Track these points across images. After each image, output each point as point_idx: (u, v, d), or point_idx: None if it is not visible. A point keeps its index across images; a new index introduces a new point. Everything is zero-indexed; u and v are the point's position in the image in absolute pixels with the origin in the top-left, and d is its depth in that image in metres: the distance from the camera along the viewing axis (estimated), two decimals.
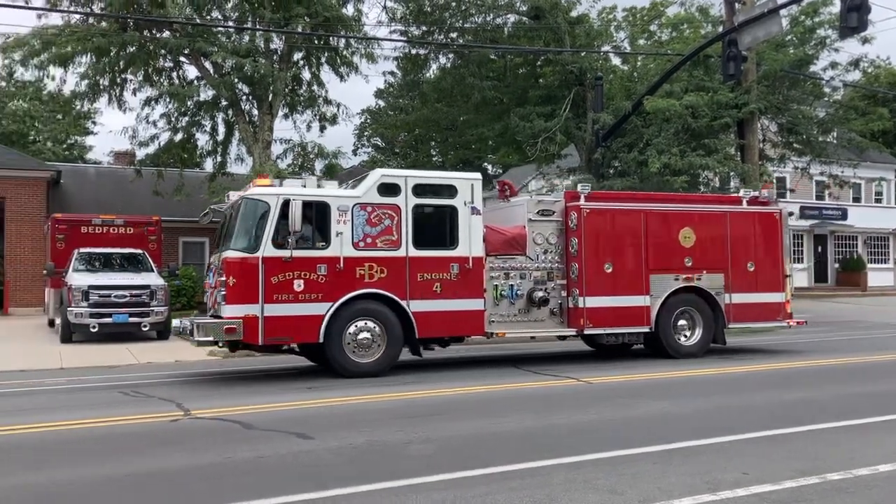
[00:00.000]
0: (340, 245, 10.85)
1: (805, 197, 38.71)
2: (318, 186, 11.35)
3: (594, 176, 20.79)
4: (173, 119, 21.92)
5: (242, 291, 10.52)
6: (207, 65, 20.91)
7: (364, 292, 10.96)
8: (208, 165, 24.56)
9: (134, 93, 21.74)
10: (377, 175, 11.52)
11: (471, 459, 6.12)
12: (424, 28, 23.84)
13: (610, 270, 12.42)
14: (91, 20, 20.34)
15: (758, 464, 5.94)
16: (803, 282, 36.72)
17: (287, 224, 10.39)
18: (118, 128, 49.69)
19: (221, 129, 22.83)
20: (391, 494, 5.23)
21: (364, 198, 11.15)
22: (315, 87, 22.90)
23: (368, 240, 11.07)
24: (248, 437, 7.25)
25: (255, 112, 21.53)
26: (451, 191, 11.65)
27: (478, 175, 12.28)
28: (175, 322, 11.97)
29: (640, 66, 25.76)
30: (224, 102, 21.47)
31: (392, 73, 28.72)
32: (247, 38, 20.97)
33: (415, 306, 11.21)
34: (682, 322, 12.97)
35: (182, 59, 21.55)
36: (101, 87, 21.00)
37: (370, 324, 11.00)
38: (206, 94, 21.65)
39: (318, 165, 22.89)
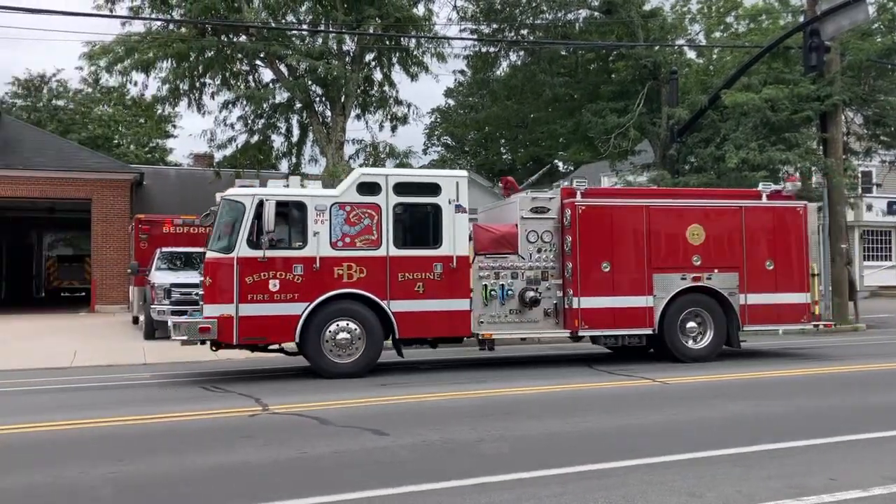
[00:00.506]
0: (317, 245, 10.80)
1: (893, 192, 37.07)
2: (302, 187, 11.34)
3: (669, 172, 20.36)
4: (250, 121, 22.44)
5: (218, 291, 10.63)
6: (282, 67, 21.33)
7: (342, 292, 10.87)
8: (284, 166, 25.07)
9: (212, 96, 22.35)
10: (357, 174, 11.54)
11: (545, 459, 6.07)
12: (495, 26, 23.77)
13: (608, 270, 11.87)
14: (171, 26, 20.99)
15: (845, 469, 5.73)
16: (892, 280, 35.20)
17: (262, 224, 10.48)
18: (197, 130, 51.22)
19: (296, 131, 23.26)
20: (465, 492, 5.23)
21: (342, 197, 11.07)
22: (386, 88, 23.12)
23: (347, 239, 10.99)
24: (324, 432, 7.38)
25: (329, 113, 21.86)
26: (434, 189, 11.44)
27: (463, 173, 12.17)
28: (169, 321, 11.81)
29: (716, 59, 25.10)
30: (298, 104, 21.87)
31: (462, 71, 28.75)
32: (320, 40, 21.30)
33: (395, 306, 11.05)
34: (691, 324, 12.21)
35: (258, 62, 22.04)
36: (181, 91, 21.66)
37: (349, 324, 10.89)
38: (282, 96, 22.11)
39: (389, 165, 23.13)
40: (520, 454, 6.39)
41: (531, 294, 11.68)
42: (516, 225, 11.96)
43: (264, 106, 21.72)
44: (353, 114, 22.38)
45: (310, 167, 24.39)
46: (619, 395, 9.65)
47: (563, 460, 5.96)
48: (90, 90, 45.97)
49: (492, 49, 24.96)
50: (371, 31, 20.75)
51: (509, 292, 11.70)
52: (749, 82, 19.90)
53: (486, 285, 11.65)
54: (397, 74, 22.85)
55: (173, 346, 12.13)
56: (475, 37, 24.20)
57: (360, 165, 21.99)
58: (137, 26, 20.94)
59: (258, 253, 10.56)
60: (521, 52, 24.52)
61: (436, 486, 5.36)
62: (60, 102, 46.46)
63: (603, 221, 12.00)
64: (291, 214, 10.96)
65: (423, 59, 22.29)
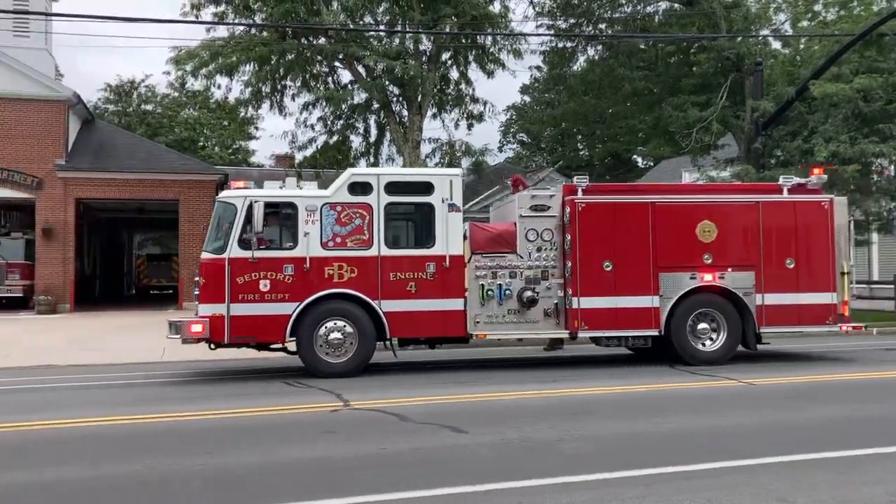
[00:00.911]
0: (308, 245, 10.88)
1: None
2: (298, 187, 11.38)
3: (754, 166, 19.73)
4: (329, 122, 22.81)
5: (211, 292, 10.82)
6: (360, 68, 21.59)
7: (333, 292, 10.91)
8: (362, 166, 25.41)
9: (293, 98, 22.78)
10: (348, 174, 11.52)
11: (627, 459, 5.98)
12: (572, 20, 23.50)
13: (609, 269, 11.48)
14: (253, 31, 21.52)
15: None
16: None
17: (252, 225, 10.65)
18: (278, 132, 52.32)
19: (374, 131, 23.50)
20: (546, 492, 5.19)
21: (333, 197, 11.12)
22: (462, 86, 23.13)
23: (338, 240, 11.04)
24: (403, 429, 7.43)
25: (406, 113, 22.02)
26: (426, 188, 11.35)
27: (457, 171, 12.04)
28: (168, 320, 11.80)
29: (803, 49, 24.17)
30: (376, 104, 22.10)
31: (538, 67, 28.44)
32: (397, 40, 21.49)
33: (387, 306, 11.01)
34: (703, 325, 11.70)
35: (336, 63, 22.37)
36: (264, 93, 22.17)
37: (341, 323, 10.91)
38: (360, 96, 22.38)
39: (465, 163, 23.14)
40: (601, 454, 6.31)
41: (529, 294, 11.39)
42: (515, 223, 11.73)
43: (343, 107, 22.04)
44: (429, 113, 22.48)
45: (387, 166, 24.63)
46: (705, 395, 9.41)
47: (647, 461, 5.86)
48: (176, 94, 47.65)
49: (569, 44, 24.68)
50: (447, 29, 20.79)
51: (507, 292, 11.44)
52: (839, 72, 19.10)
53: (482, 285, 11.44)
54: (473, 72, 22.83)
55: None
56: (552, 32, 23.97)
57: (436, 164, 22.12)
58: (221, 31, 21.51)
59: (249, 253, 10.74)
60: (599, 47, 24.18)
61: (516, 485, 5.34)
62: (149, 107, 48.35)
63: (604, 219, 11.63)
64: (282, 215, 11.07)
65: (499, 56, 22.21)
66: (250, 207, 10.70)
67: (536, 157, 53.74)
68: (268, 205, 10.82)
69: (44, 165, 26.07)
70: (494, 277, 11.49)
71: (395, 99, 22.04)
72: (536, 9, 23.30)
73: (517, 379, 10.68)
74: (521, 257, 11.57)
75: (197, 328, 10.69)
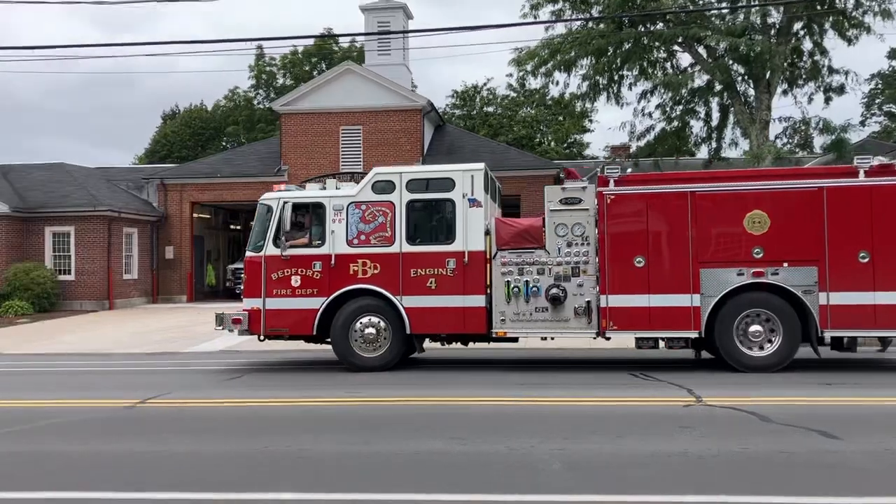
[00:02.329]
0: (334, 243, 11.43)
1: None
2: (336, 189, 11.96)
3: None
4: (668, 109, 22.24)
5: (251, 287, 11.72)
6: (701, 50, 20.73)
7: (355, 288, 11.30)
8: (703, 152, 24.39)
9: (630, 87, 22.59)
10: (372, 173, 11.77)
11: None
12: None
13: (642, 265, 10.69)
14: (590, 24, 21.75)
15: None
16: None
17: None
18: (611, 123, 52.38)
19: (715, 114, 22.43)
20: None
21: (359, 196, 11.55)
22: (817, 57, 21.05)
23: (362, 237, 11.45)
24: (764, 429, 7.02)
25: (751, 92, 20.67)
26: (447, 184, 11.40)
27: (479, 165, 11.58)
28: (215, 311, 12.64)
29: None
30: (718, 86, 21.07)
31: None
32: (741, 16, 20.21)
33: (407, 302, 11.19)
34: (754, 328, 10.46)
35: (675, 47, 21.72)
36: (600, 85, 22.30)
37: (375, 319, 11.31)
38: (700, 79, 21.50)
39: (818, 141, 21.05)
40: None
41: (555, 291, 10.89)
42: (543, 218, 11.27)
43: (682, 92, 21.33)
44: (778, 90, 20.84)
45: (730, 151, 23.34)
46: None
47: None
48: (515, 94, 49.96)
49: None
50: None
51: (534, 289, 10.98)
52: None
53: (508, 282, 11.07)
54: (830, 41, 20.66)
55: None
56: None
57: (784, 145, 20.42)
58: (559, 28, 22.07)
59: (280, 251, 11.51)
60: None
61: None
62: (490, 108, 51.36)
63: (636, 211, 10.84)
64: (312, 215, 11.71)
65: (862, 19, 19.80)
66: (283, 208, 11.54)
67: None
68: (297, 206, 11.70)
69: None
70: (521, 274, 11.11)
71: (739, 78, 20.81)
72: None
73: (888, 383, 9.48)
74: (550, 253, 11.08)
75: (237, 320, 11.63)
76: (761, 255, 10.51)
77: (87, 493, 5.40)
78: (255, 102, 54.89)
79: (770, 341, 10.52)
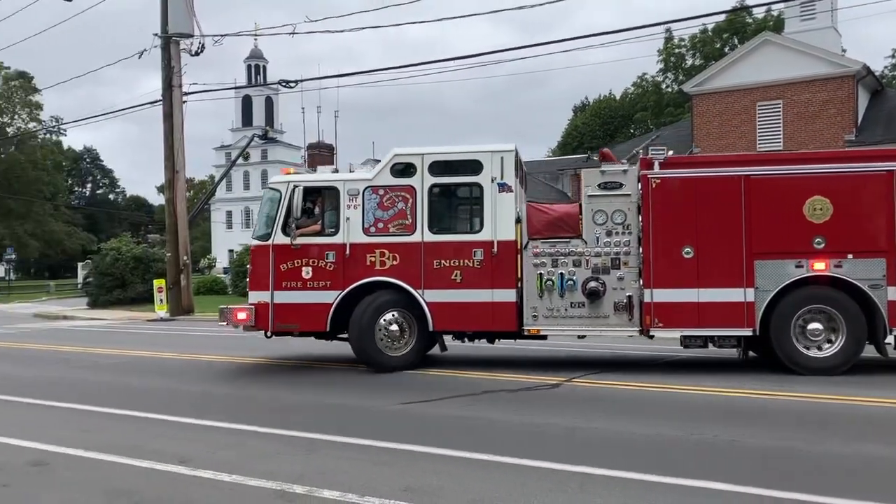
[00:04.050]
0: (349, 231, 10.52)
1: None
2: (351, 172, 11.08)
3: None
4: None
5: (257, 279, 10.76)
6: None
7: (372, 280, 10.45)
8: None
9: None
10: (391, 154, 10.76)
11: None
12: None
13: (690, 255, 9.79)
14: None
15: None
16: None
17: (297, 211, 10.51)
18: None
19: None
20: None
21: (376, 180, 10.62)
22: None
23: (380, 225, 10.55)
24: None
25: None
26: (474, 167, 10.45)
27: (509, 146, 10.51)
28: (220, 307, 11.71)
29: None
30: None
31: None
32: None
33: (430, 296, 10.34)
34: (814, 325, 9.58)
35: None
36: None
37: (398, 315, 10.48)
38: None
39: None
40: None
41: (594, 285, 10.09)
42: (579, 204, 10.48)
43: None
44: None
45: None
46: None
47: None
48: None
49: None
50: None
51: (570, 282, 10.15)
52: None
53: (541, 274, 10.23)
54: None
55: None
56: None
57: None
58: None
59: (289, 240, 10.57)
60: None
61: None
62: None
63: (684, 196, 9.96)
64: (325, 200, 10.80)
65: None
66: (292, 193, 10.55)
67: None
68: (309, 190, 10.75)
69: (833, 142, 26.15)
70: (555, 266, 10.25)
71: None
72: None
73: None
74: (587, 243, 10.22)
75: (242, 315, 10.67)
76: (823, 245, 9.60)
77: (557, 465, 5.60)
78: (664, 86, 54.32)
79: (829, 341, 9.64)
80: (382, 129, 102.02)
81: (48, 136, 68.81)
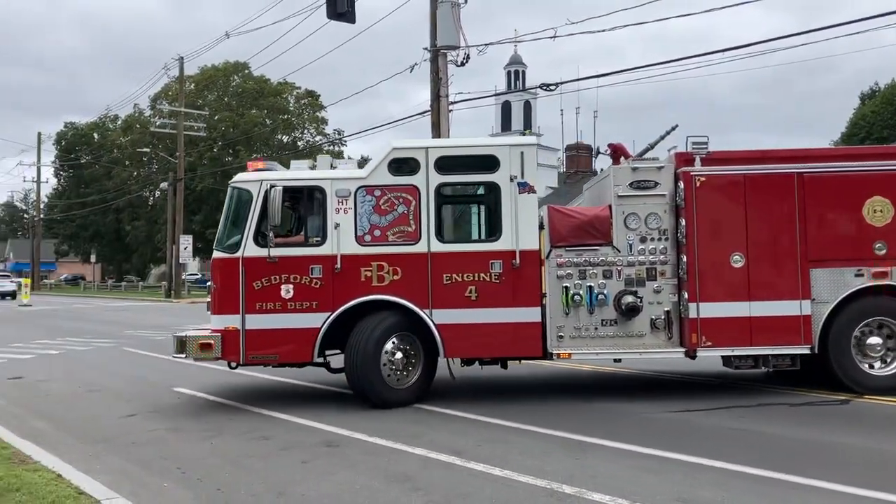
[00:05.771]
0: (338, 240, 8.74)
1: None
2: (332, 168, 9.25)
3: None
4: None
5: (224, 299, 8.90)
6: None
7: (369, 300, 8.70)
8: None
9: None
10: (388, 148, 9.08)
11: None
12: None
13: (740, 265, 8.72)
14: None
15: None
16: None
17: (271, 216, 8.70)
18: None
19: None
20: None
21: (371, 179, 8.91)
22: None
23: (377, 232, 8.86)
24: None
25: None
26: (489, 163, 8.89)
27: (530, 139, 9.18)
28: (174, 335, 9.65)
29: None
30: None
31: None
32: None
33: (440, 317, 8.70)
34: (873, 339, 8.79)
35: None
36: None
37: (399, 340, 8.77)
38: None
39: None
40: None
41: (629, 299, 8.79)
42: (610, 206, 9.09)
43: None
44: None
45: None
46: None
47: None
48: None
49: None
50: None
51: (600, 297, 8.84)
52: None
53: (566, 287, 8.88)
54: None
55: None
56: None
57: None
58: None
59: (266, 252, 8.75)
60: None
61: None
62: None
63: (732, 197, 8.82)
64: (307, 203, 9.17)
65: None
66: (267, 194, 8.70)
67: None
68: (289, 190, 8.91)
69: None
70: (583, 278, 8.92)
71: None
72: None
73: None
74: (619, 251, 8.94)
75: (206, 345, 8.75)
76: (884, 251, 8.76)
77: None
78: None
79: (885, 358, 8.87)
80: (643, 126, 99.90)
81: (332, 147, 75.93)
